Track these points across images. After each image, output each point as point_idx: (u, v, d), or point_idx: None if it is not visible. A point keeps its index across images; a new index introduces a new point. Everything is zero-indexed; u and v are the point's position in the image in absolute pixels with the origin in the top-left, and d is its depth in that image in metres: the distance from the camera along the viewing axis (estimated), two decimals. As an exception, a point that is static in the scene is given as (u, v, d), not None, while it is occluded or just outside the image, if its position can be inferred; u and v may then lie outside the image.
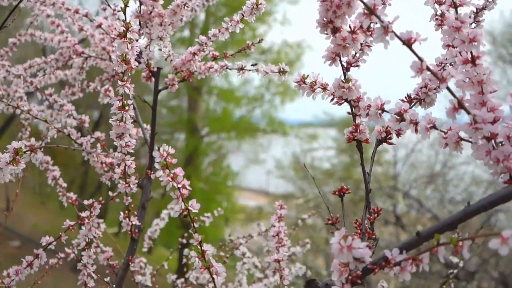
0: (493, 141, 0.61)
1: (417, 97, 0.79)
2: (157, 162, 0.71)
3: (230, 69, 1.10)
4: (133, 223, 1.10)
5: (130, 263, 1.12)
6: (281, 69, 0.98)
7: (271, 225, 1.15)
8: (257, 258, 1.63)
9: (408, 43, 0.59)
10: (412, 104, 0.80)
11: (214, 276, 0.75)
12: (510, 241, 0.46)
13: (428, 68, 0.58)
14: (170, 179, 0.72)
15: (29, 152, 0.79)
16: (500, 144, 0.61)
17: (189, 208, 0.73)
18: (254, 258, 1.61)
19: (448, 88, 0.59)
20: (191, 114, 11.47)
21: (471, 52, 0.62)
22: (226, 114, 11.70)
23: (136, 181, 1.03)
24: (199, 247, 0.75)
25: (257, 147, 12.55)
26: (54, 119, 1.28)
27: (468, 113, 0.59)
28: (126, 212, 1.09)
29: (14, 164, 0.77)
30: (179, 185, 0.72)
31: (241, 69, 1.09)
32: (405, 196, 6.44)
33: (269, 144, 12.46)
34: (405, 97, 0.80)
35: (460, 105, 0.60)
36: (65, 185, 1.22)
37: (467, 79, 0.63)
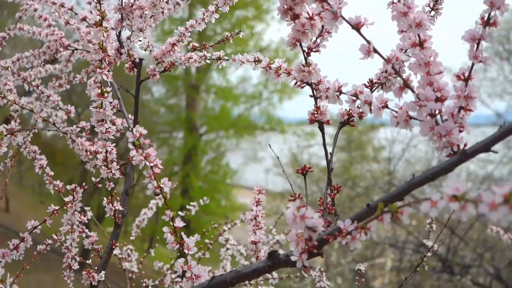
0: (439, 117, 0.66)
1: (378, 81, 0.84)
2: (130, 142, 0.75)
3: (209, 59, 1.15)
4: (116, 208, 1.14)
5: (113, 247, 1.16)
6: (256, 59, 1.02)
7: (250, 209, 1.19)
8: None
9: (356, 27, 0.63)
10: (374, 88, 0.84)
11: (186, 251, 0.79)
12: (439, 203, 0.50)
13: (375, 50, 0.63)
14: (143, 158, 0.76)
15: (9, 136, 0.83)
16: (446, 121, 0.66)
17: (161, 186, 0.77)
18: (240, 246, 1.66)
19: (393, 69, 0.63)
20: (189, 113, 11.52)
21: (419, 36, 0.67)
22: (225, 112, 11.74)
23: (118, 167, 1.07)
24: (171, 223, 0.79)
25: (255, 145, 12.60)
26: (42, 110, 1.33)
27: (413, 91, 0.63)
28: (109, 197, 1.13)
29: (-4, 147, 0.81)
30: (152, 164, 0.76)
31: (218, 59, 1.13)
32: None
33: (267, 142, 12.49)
34: (367, 82, 0.84)
35: (406, 84, 0.64)
36: (52, 173, 1.26)
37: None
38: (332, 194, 0.77)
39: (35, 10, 1.35)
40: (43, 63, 1.42)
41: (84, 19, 1.25)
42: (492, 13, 0.64)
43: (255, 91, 11.97)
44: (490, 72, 10.07)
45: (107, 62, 0.92)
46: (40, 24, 1.47)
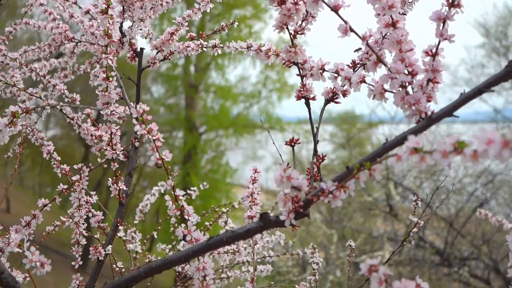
0: (410, 89, 0.74)
1: (361, 62, 0.92)
2: (134, 118, 0.83)
3: (205, 47, 1.23)
4: (121, 188, 1.22)
5: (118, 225, 1.24)
6: (249, 45, 1.10)
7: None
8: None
9: (335, 9, 0.71)
10: (357, 68, 0.92)
11: (186, 217, 0.87)
12: (403, 156, 0.58)
13: (351, 30, 0.71)
14: (146, 132, 0.84)
15: (24, 114, 0.91)
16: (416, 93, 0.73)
17: (163, 157, 0.85)
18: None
19: (368, 45, 0.71)
20: (189, 112, 11.60)
21: (391, 17, 0.74)
22: (224, 111, 11.81)
23: (122, 148, 1.15)
24: (172, 192, 0.87)
25: (254, 143, 12.66)
26: (49, 99, 1.41)
27: (386, 65, 0.71)
28: (114, 178, 1.21)
29: (12, 126, 0.89)
30: (154, 138, 0.84)
31: (214, 46, 1.21)
32: (397, 186, 6.58)
33: (266, 140, 12.56)
34: (350, 62, 0.92)
35: (379, 60, 0.72)
36: (59, 158, 1.34)
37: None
38: (317, 163, 0.85)
39: (41, 4, 1.43)
40: (48, 56, 1.50)
41: (87, 12, 1.33)
42: (456, -5, 0.72)
43: (254, 90, 12.06)
44: (488, 68, 10.15)
45: (111, 47, 1.00)
46: (44, 19, 1.54)
